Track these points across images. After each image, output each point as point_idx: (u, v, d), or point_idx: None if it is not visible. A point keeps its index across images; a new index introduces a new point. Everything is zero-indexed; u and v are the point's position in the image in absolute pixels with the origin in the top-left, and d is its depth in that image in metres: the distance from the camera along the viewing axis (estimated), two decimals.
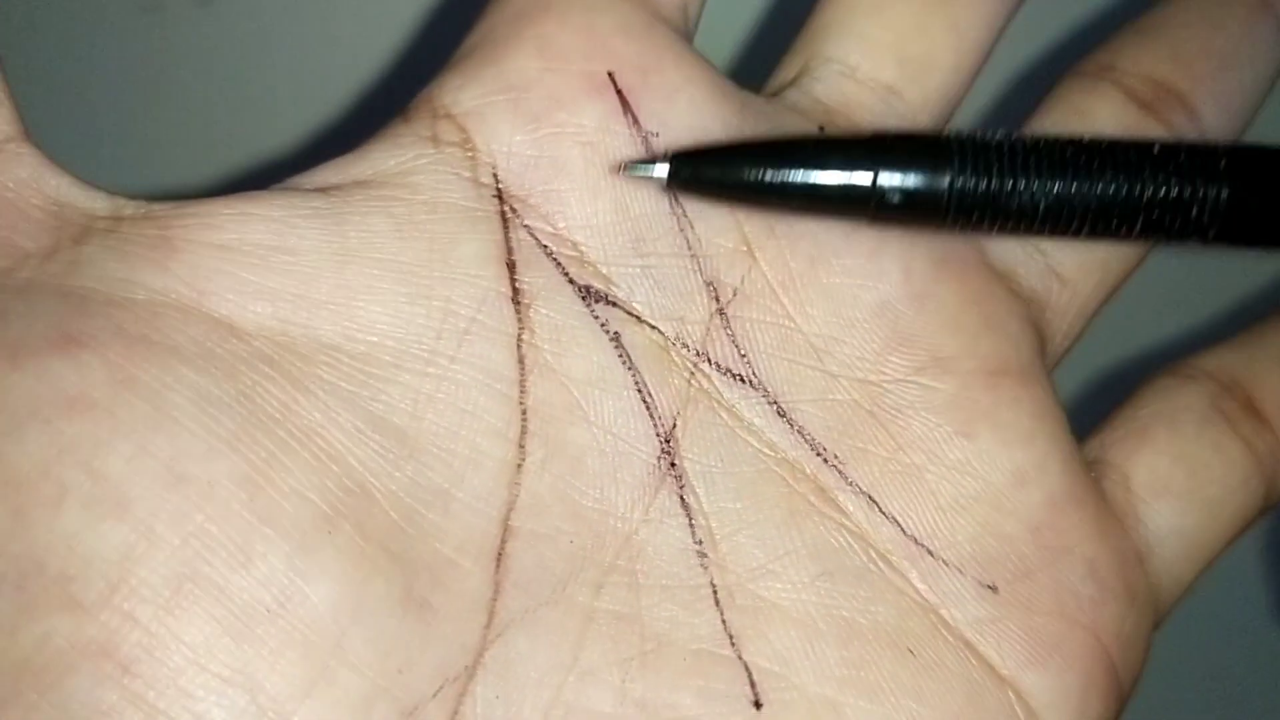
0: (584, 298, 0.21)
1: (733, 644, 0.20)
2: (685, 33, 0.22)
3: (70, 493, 0.17)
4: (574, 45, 0.21)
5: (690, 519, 0.21)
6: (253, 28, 0.36)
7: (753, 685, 0.20)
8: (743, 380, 0.22)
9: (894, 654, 0.21)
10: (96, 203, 0.19)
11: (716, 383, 0.21)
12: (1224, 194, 0.20)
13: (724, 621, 0.20)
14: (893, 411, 0.22)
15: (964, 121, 0.24)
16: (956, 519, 0.21)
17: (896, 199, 0.19)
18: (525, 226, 0.21)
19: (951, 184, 0.19)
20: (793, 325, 0.22)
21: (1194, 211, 0.20)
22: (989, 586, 0.21)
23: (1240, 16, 0.25)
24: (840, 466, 0.21)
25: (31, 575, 0.17)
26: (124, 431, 0.17)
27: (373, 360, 0.19)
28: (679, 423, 0.21)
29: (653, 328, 0.21)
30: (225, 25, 0.36)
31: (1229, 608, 0.40)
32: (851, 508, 0.21)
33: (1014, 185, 0.19)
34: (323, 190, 0.20)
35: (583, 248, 0.21)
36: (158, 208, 0.19)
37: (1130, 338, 0.36)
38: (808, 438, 0.21)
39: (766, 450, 0.21)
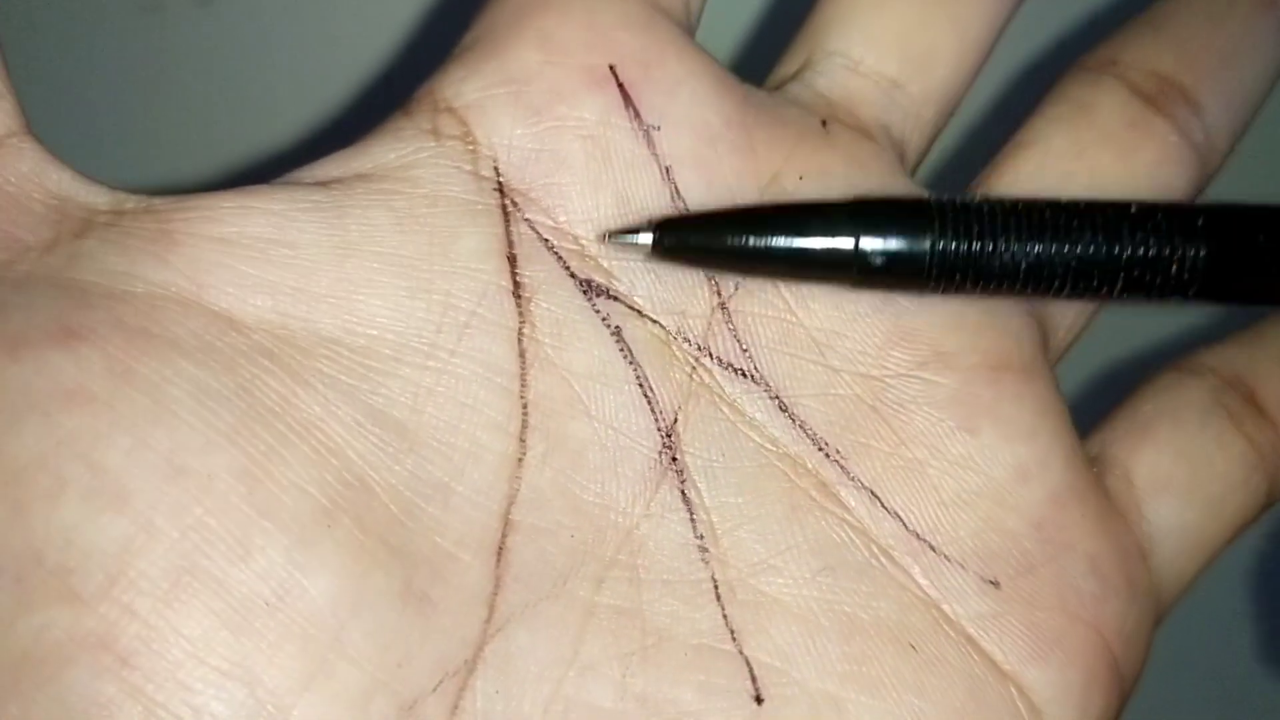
0: (585, 292, 0.21)
1: (734, 639, 0.20)
2: (687, 26, 0.22)
3: (69, 485, 0.17)
4: (575, 38, 0.21)
5: (691, 514, 0.21)
6: (253, 24, 0.36)
7: (754, 680, 0.20)
8: (744, 375, 0.21)
9: (896, 649, 0.21)
10: (97, 197, 0.19)
11: (718, 377, 0.21)
12: (1203, 252, 0.20)
13: (725, 616, 0.20)
14: (895, 406, 0.22)
15: (966, 117, 0.24)
16: (959, 514, 0.21)
17: (879, 263, 0.20)
18: (526, 220, 0.21)
19: (933, 247, 0.20)
20: (794, 320, 0.22)
21: (1174, 270, 0.20)
22: (991, 582, 0.21)
23: (1244, 12, 0.25)
24: (842, 461, 0.21)
25: (30, 567, 0.17)
26: (123, 424, 0.17)
27: (373, 354, 0.19)
28: (680, 417, 0.21)
29: (654, 322, 0.21)
30: (225, 23, 0.36)
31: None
32: (853, 503, 0.21)
33: (995, 247, 0.20)
34: (323, 184, 0.20)
35: (584, 241, 0.21)
36: (158, 202, 0.19)
37: (1133, 334, 0.36)
38: (809, 432, 0.21)
39: (768, 445, 0.21)
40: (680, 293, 0.21)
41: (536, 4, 0.21)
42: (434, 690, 0.18)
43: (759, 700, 0.20)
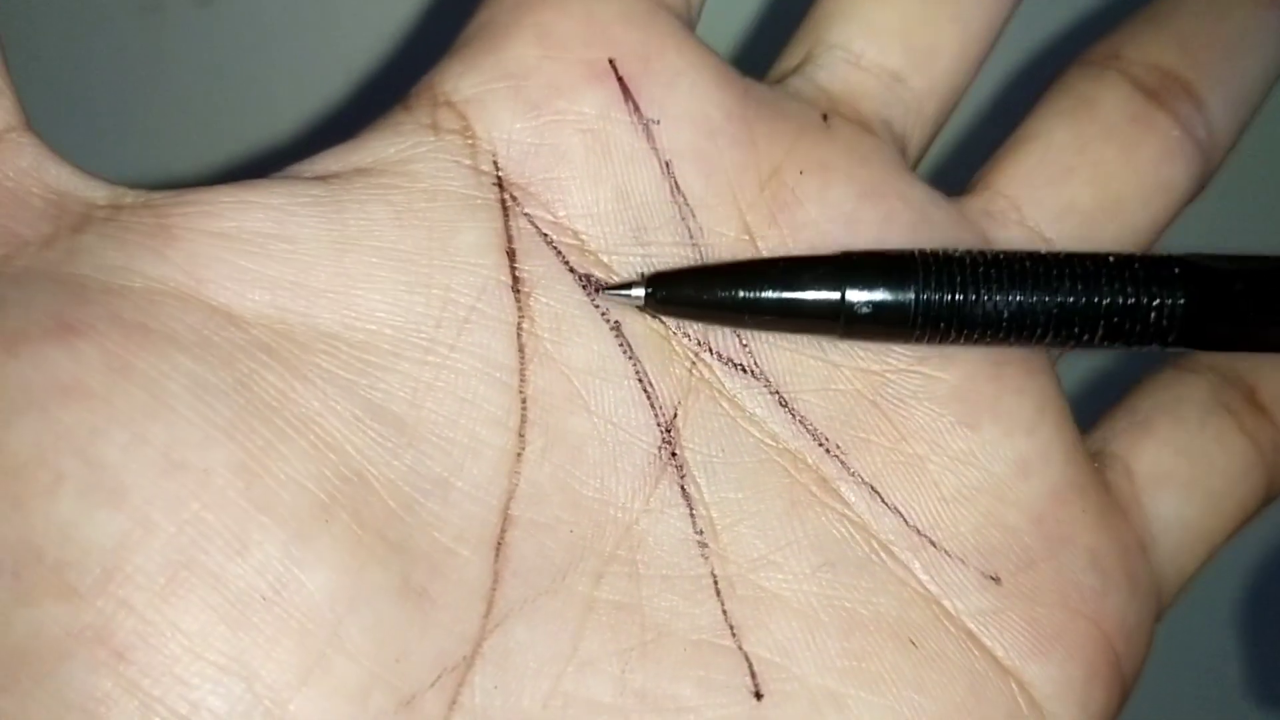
0: (584, 286, 0.21)
1: (733, 634, 0.20)
2: (688, 20, 0.22)
3: (66, 480, 0.17)
4: (574, 32, 0.21)
5: (691, 509, 0.21)
6: (253, 21, 0.36)
7: (753, 676, 0.20)
8: (744, 370, 0.21)
9: (896, 645, 0.21)
10: (96, 192, 0.19)
11: (718, 372, 0.21)
12: (1180, 301, 0.21)
13: (725, 612, 0.20)
14: (895, 401, 0.22)
15: (967, 112, 0.24)
16: (959, 509, 0.21)
17: (866, 314, 0.20)
18: (525, 214, 0.21)
19: (917, 298, 0.20)
20: None
21: (1153, 318, 0.21)
22: (991, 577, 0.21)
23: (1246, 7, 0.25)
24: (842, 457, 0.21)
25: (27, 562, 0.17)
26: (120, 419, 0.17)
27: (371, 348, 0.19)
28: (680, 412, 0.21)
29: (654, 316, 0.21)
30: (225, 21, 0.36)
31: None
32: (853, 498, 0.21)
33: (978, 297, 0.20)
34: (322, 178, 0.20)
35: (583, 236, 0.21)
36: (157, 196, 0.19)
37: None
38: (809, 428, 0.21)
39: (768, 440, 0.21)
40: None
41: None
42: (432, 685, 0.18)
43: (758, 696, 0.20)
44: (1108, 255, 0.21)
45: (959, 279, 0.20)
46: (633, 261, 0.21)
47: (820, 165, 0.22)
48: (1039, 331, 0.21)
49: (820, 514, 0.21)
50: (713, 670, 0.20)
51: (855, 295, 0.20)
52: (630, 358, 0.21)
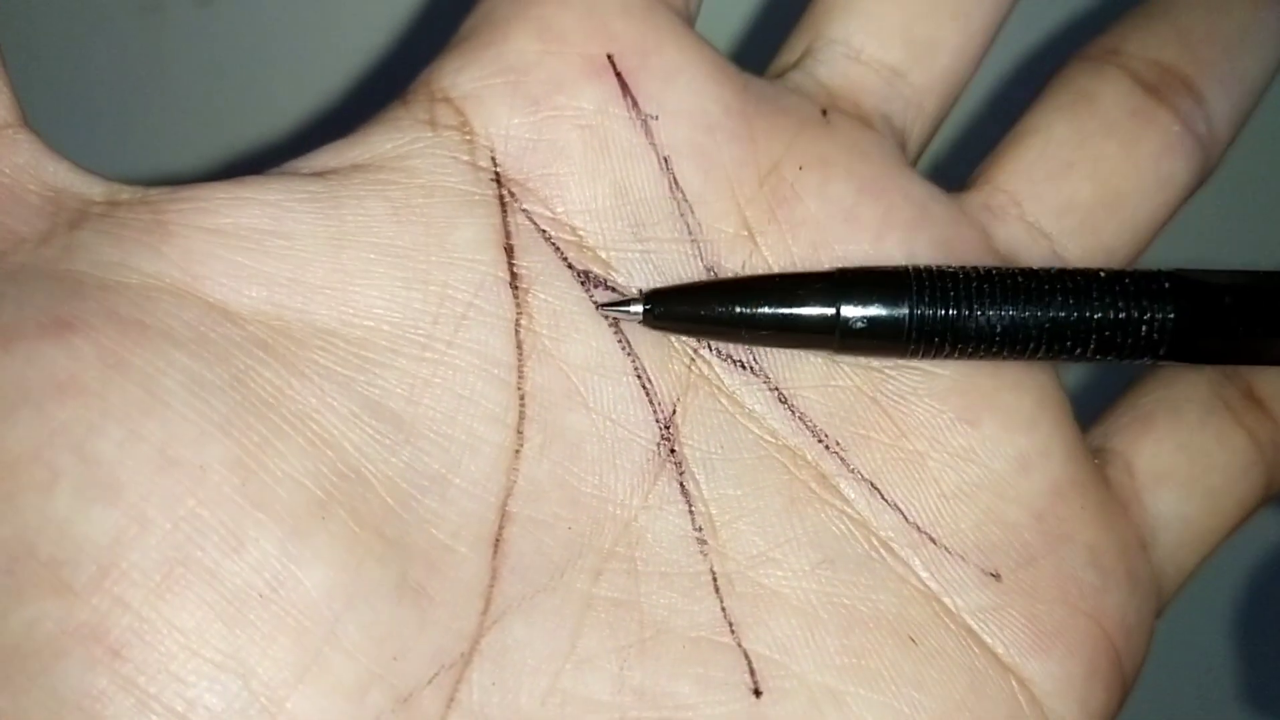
0: (583, 283, 0.21)
1: (732, 631, 0.20)
2: (687, 15, 0.22)
3: (61, 477, 0.17)
4: (573, 27, 0.21)
5: (690, 506, 0.21)
6: (252, 19, 0.36)
7: (752, 673, 0.20)
8: (743, 366, 0.21)
9: (895, 642, 0.20)
10: (93, 188, 0.19)
11: (717, 369, 0.21)
12: (1170, 315, 0.21)
13: (724, 609, 0.20)
14: (895, 398, 0.22)
15: (967, 107, 0.24)
16: (959, 506, 0.21)
17: (861, 329, 0.20)
18: (523, 210, 0.21)
19: (911, 313, 0.20)
20: None
21: (1143, 331, 0.21)
22: (992, 574, 0.21)
23: (1246, 2, 0.25)
24: (842, 453, 0.21)
25: (22, 559, 0.17)
26: (115, 415, 0.17)
27: (368, 345, 0.19)
28: (679, 409, 0.21)
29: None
30: (225, 19, 0.36)
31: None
32: (853, 495, 0.21)
33: (971, 312, 0.21)
34: (319, 174, 0.20)
35: (582, 232, 0.21)
36: (153, 193, 0.19)
37: None
38: (809, 424, 0.21)
39: (767, 437, 0.21)
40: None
41: None
42: (430, 683, 0.18)
43: (757, 693, 0.20)
44: (1098, 270, 0.21)
45: (952, 294, 0.21)
46: (631, 257, 0.21)
47: (820, 161, 0.22)
48: (1031, 345, 0.21)
49: (820, 511, 0.21)
50: (711, 667, 0.20)
51: (850, 311, 0.20)
52: (629, 354, 0.21)
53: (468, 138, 0.21)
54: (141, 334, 0.18)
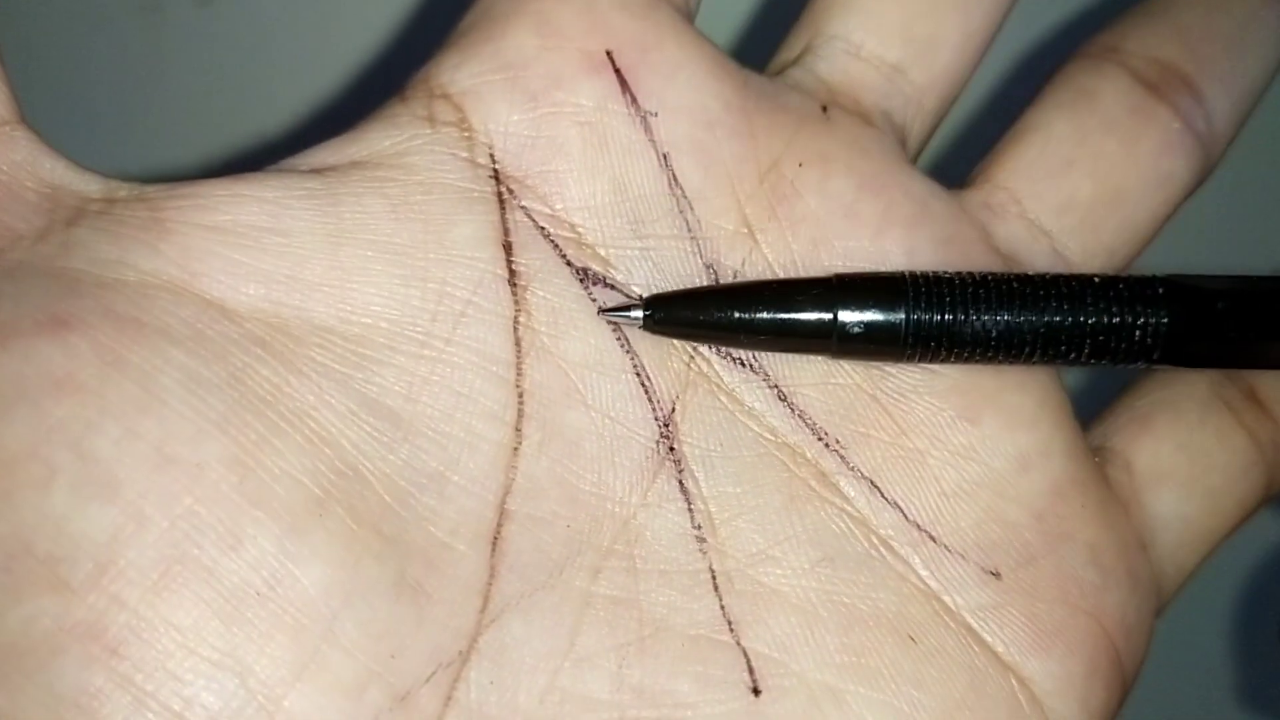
0: (581, 280, 0.21)
1: (731, 630, 0.20)
2: (687, 11, 0.22)
3: (59, 474, 0.17)
4: (572, 23, 0.21)
5: (689, 503, 0.20)
6: (253, 18, 0.36)
7: (751, 671, 0.20)
8: (743, 364, 0.21)
9: (895, 641, 0.20)
10: (90, 185, 0.19)
11: (716, 366, 0.21)
12: (1164, 319, 0.21)
13: (723, 607, 0.20)
14: (895, 395, 0.21)
15: (967, 105, 0.24)
16: (959, 504, 0.21)
17: (858, 334, 0.21)
18: (522, 207, 0.21)
19: (908, 318, 0.21)
20: None
21: (1137, 336, 0.21)
22: (992, 573, 0.21)
23: (1245, 1, 0.25)
24: (842, 451, 0.21)
25: (19, 556, 0.17)
26: (112, 413, 0.17)
27: (366, 342, 0.19)
28: (678, 406, 0.21)
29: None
30: (225, 19, 0.36)
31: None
32: (853, 493, 0.21)
33: (966, 317, 0.21)
34: (317, 171, 0.20)
35: (580, 229, 0.21)
36: (151, 189, 0.19)
37: None
38: (809, 422, 0.21)
39: (767, 434, 0.21)
40: (679, 282, 0.21)
41: None
42: (428, 681, 0.18)
43: (756, 691, 0.20)
44: (1093, 276, 0.21)
45: (948, 299, 0.21)
46: (630, 255, 0.21)
47: (820, 157, 0.22)
48: (1026, 350, 0.21)
49: (819, 509, 0.21)
50: (710, 666, 0.20)
51: (847, 316, 0.21)
52: (628, 351, 0.21)
53: (466, 134, 0.20)
54: (139, 331, 0.18)
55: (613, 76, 0.21)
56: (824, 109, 0.22)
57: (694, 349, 0.21)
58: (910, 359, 0.21)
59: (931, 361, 0.21)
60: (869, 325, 0.21)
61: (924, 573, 0.21)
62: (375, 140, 0.20)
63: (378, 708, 0.18)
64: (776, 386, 0.21)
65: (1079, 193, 0.23)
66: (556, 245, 0.21)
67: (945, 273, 0.21)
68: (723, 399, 0.21)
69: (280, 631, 0.17)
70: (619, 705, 0.19)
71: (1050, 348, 0.21)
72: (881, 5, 0.23)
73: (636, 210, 0.21)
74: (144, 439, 0.17)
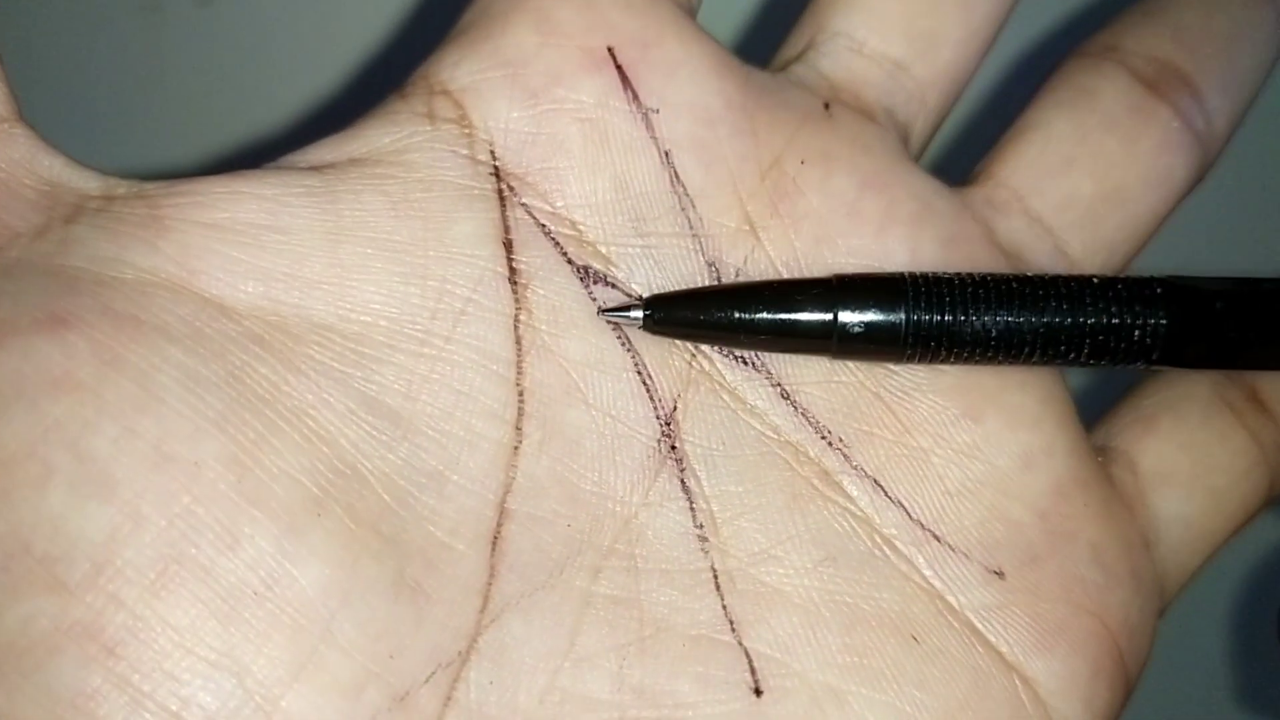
0: (582, 278, 0.21)
1: (733, 630, 0.20)
2: (688, 8, 0.22)
3: (56, 473, 0.17)
4: (573, 20, 0.21)
5: (691, 502, 0.20)
6: (252, 18, 0.36)
7: (753, 671, 0.20)
8: (745, 362, 0.21)
9: (898, 641, 0.20)
10: (89, 182, 0.19)
11: (718, 364, 0.21)
12: (1163, 320, 0.21)
13: (724, 607, 0.20)
14: (899, 394, 0.21)
15: (968, 102, 0.24)
16: (963, 503, 0.21)
17: (858, 334, 0.21)
18: (523, 205, 0.20)
19: (908, 319, 0.21)
20: None
21: (1136, 336, 0.21)
22: (995, 572, 0.21)
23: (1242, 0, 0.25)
24: (845, 450, 0.21)
25: (16, 556, 0.16)
26: (110, 412, 0.17)
27: (366, 340, 0.19)
28: (680, 405, 0.21)
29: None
30: (225, 19, 0.36)
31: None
32: (856, 492, 0.21)
33: (966, 317, 0.21)
34: (317, 168, 0.20)
35: (581, 227, 0.21)
36: (149, 187, 0.19)
37: None
38: (812, 420, 0.21)
39: (769, 433, 0.21)
40: (680, 280, 0.21)
41: None
42: (427, 681, 0.18)
43: (758, 692, 0.20)
44: (1092, 276, 0.21)
45: (948, 300, 0.21)
46: (632, 252, 0.21)
47: (822, 154, 0.22)
48: (1026, 350, 0.21)
49: (822, 508, 0.21)
50: (712, 666, 0.20)
51: (848, 316, 0.21)
52: (629, 350, 0.21)
53: (466, 131, 0.20)
54: (136, 329, 0.18)
55: (613, 73, 0.21)
56: (826, 106, 0.22)
57: (695, 348, 0.21)
58: (910, 359, 0.21)
59: (931, 362, 0.21)
60: (869, 325, 0.21)
61: (927, 572, 0.21)
62: (375, 137, 0.20)
63: (376, 708, 0.18)
64: (779, 385, 0.21)
65: (1080, 190, 0.23)
66: (557, 243, 0.21)
67: (945, 273, 0.21)
68: (725, 397, 0.21)
69: (278, 631, 0.17)
70: (619, 705, 0.19)
71: (1049, 348, 0.21)
72: (884, 2, 0.23)
73: (638, 208, 0.21)
74: (142, 438, 0.17)
